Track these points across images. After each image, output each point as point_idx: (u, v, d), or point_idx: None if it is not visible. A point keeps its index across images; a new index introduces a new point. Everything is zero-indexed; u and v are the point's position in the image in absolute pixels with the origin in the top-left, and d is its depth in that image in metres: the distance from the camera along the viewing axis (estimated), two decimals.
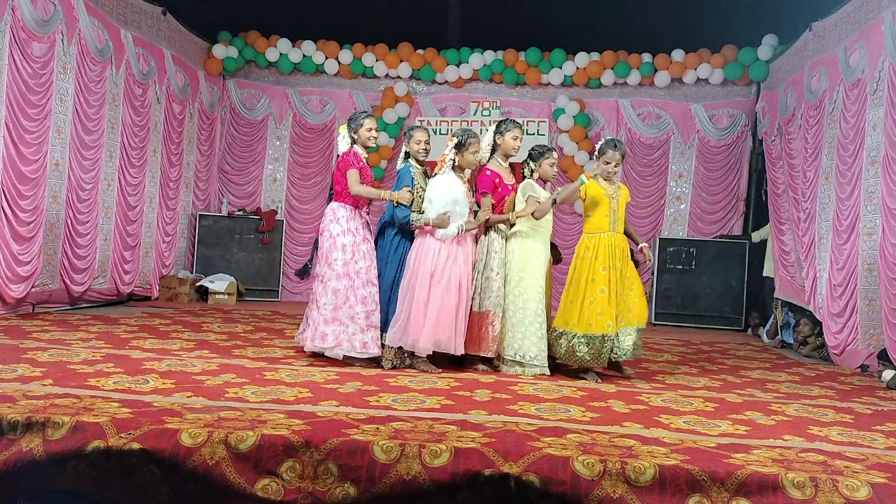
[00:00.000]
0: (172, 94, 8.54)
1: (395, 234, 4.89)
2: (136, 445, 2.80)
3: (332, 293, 4.70)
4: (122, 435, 2.84)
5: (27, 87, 6.20)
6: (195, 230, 9.28)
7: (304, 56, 9.62)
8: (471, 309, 4.86)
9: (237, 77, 9.85)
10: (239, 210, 9.59)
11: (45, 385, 3.53)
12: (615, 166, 4.89)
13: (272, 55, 9.62)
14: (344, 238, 4.77)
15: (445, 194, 4.74)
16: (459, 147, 4.83)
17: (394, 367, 4.73)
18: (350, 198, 4.87)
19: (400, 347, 4.75)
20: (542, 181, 5.11)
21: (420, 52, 9.52)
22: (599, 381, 4.72)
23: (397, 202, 4.73)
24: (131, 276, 8.00)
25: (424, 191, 4.87)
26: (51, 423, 2.88)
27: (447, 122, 9.41)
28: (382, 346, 4.77)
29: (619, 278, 4.80)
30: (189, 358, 4.65)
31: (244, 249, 9.27)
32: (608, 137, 5.19)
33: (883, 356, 5.41)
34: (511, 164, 5.18)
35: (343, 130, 5.00)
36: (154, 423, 2.93)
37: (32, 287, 6.44)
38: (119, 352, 4.71)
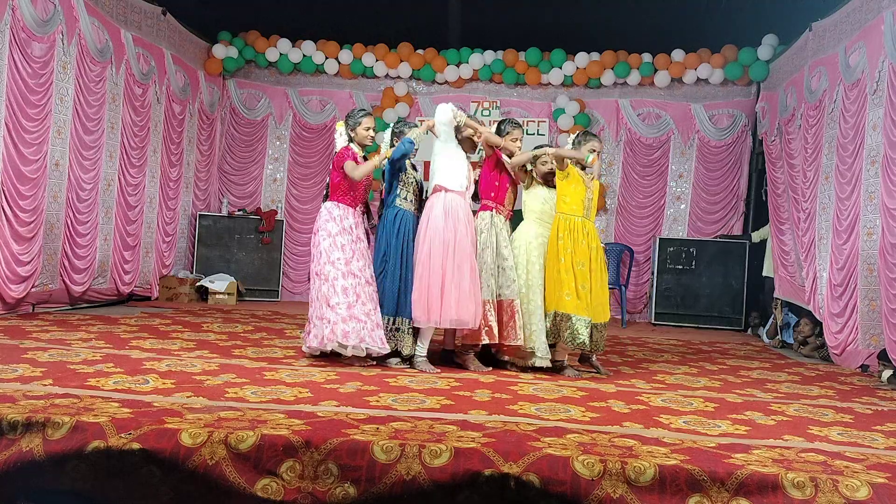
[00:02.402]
0: (172, 94, 8.54)
1: (395, 228, 4.88)
2: (136, 445, 2.80)
3: (343, 292, 4.68)
4: (122, 435, 2.83)
5: (27, 87, 6.20)
6: (195, 230, 9.28)
7: (304, 56, 9.62)
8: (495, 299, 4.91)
9: (237, 77, 9.85)
10: (239, 210, 9.59)
11: (45, 385, 3.53)
12: (598, 155, 5.04)
13: (272, 55, 9.62)
14: (341, 237, 4.79)
15: (451, 158, 4.90)
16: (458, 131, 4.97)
17: (412, 356, 4.78)
18: (345, 197, 4.88)
19: (415, 335, 4.81)
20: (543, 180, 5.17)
21: (420, 52, 9.52)
22: (579, 375, 4.85)
23: (388, 157, 4.84)
24: (131, 276, 8.00)
25: (418, 181, 5.01)
26: (51, 423, 2.88)
27: None
28: (394, 333, 4.81)
29: (596, 265, 4.93)
30: (189, 358, 4.65)
31: (244, 249, 9.28)
32: (581, 130, 5.27)
33: (883, 356, 5.41)
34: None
35: (340, 127, 5.00)
36: (154, 423, 2.93)
37: (32, 287, 6.44)
38: (119, 352, 4.71)
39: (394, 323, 4.81)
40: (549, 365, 4.86)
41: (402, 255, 4.84)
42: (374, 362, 4.80)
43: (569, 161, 4.97)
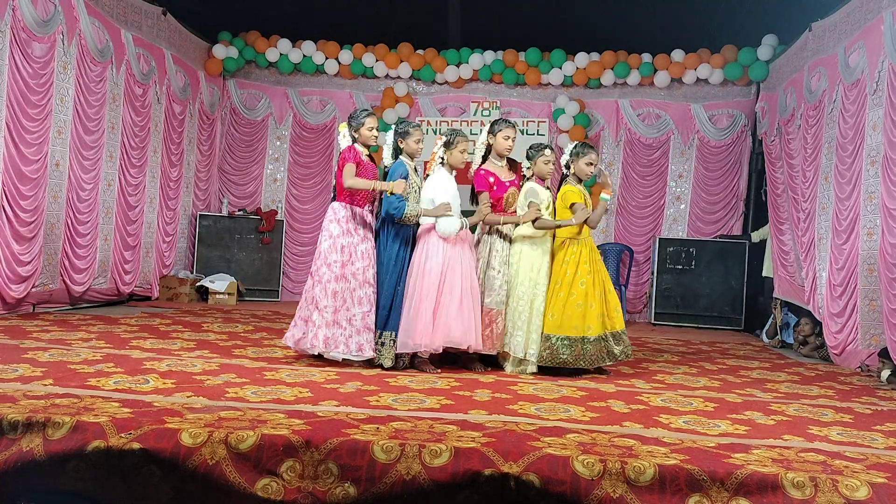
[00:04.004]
0: (173, 94, 8.54)
1: (394, 241, 4.83)
2: (136, 445, 2.80)
3: (332, 296, 4.70)
4: (123, 435, 2.84)
5: (27, 88, 6.20)
6: (195, 230, 9.29)
7: (304, 56, 9.63)
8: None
9: (237, 77, 9.86)
10: (239, 210, 9.59)
11: (45, 385, 3.54)
12: (595, 167, 5.05)
13: (272, 55, 9.62)
14: (342, 239, 4.77)
15: (446, 191, 4.82)
16: (448, 145, 4.91)
17: (393, 367, 4.73)
18: (351, 197, 4.86)
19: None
20: (540, 179, 5.13)
21: (420, 52, 9.52)
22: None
23: (391, 192, 4.70)
24: (131, 276, 8.00)
25: (420, 188, 4.90)
26: (51, 422, 2.89)
27: (447, 122, 9.40)
28: (378, 346, 4.77)
29: (602, 280, 4.94)
30: (189, 358, 4.66)
31: (244, 249, 9.28)
32: (578, 142, 5.24)
33: (884, 354, 5.41)
34: (511, 162, 5.21)
35: (343, 129, 4.98)
36: (154, 422, 2.94)
37: (33, 287, 6.45)
38: (119, 352, 4.71)
39: (380, 337, 4.78)
40: (535, 370, 4.85)
41: (396, 270, 4.82)
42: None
43: (571, 188, 5.00)
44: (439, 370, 4.74)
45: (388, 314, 4.79)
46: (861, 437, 3.51)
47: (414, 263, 4.80)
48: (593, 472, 2.73)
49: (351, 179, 4.74)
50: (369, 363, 4.76)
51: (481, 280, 4.93)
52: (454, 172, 4.98)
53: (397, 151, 4.98)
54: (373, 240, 4.90)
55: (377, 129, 4.96)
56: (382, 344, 4.77)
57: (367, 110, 5.01)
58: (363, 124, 4.88)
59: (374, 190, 4.83)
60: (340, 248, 4.75)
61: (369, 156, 5.00)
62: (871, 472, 2.84)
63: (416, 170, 5.05)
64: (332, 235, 4.78)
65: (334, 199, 4.94)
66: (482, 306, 4.88)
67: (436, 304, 4.67)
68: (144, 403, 3.28)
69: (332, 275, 4.72)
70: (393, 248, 4.83)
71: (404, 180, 4.73)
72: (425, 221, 4.82)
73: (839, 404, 4.36)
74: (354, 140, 4.92)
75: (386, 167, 5.03)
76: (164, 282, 8.61)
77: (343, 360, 4.71)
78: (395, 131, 4.98)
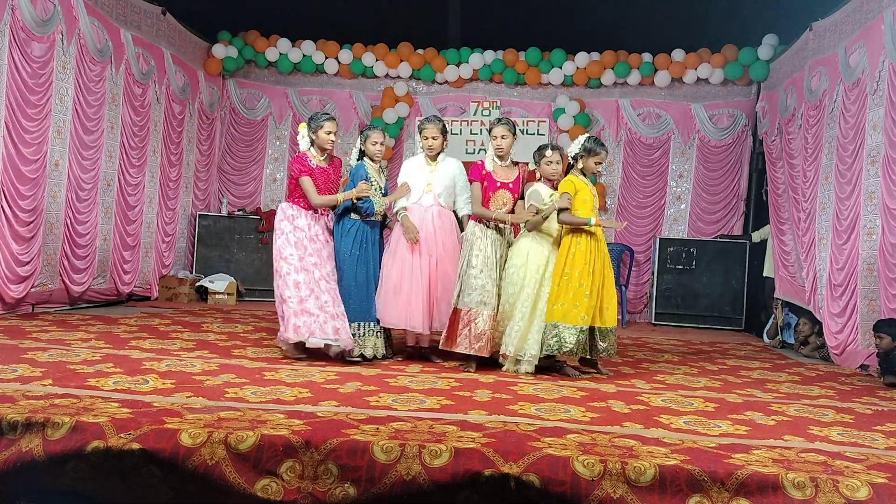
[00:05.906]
0: (172, 93, 8.53)
1: (347, 235, 4.98)
2: (135, 445, 2.80)
3: (294, 286, 4.76)
4: (122, 435, 2.84)
5: (27, 87, 6.20)
6: (195, 230, 9.28)
7: (304, 56, 9.62)
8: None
9: (237, 77, 9.85)
10: (239, 210, 9.59)
11: (44, 385, 3.53)
12: (601, 165, 5.10)
13: (272, 55, 9.62)
14: (294, 235, 4.87)
15: (410, 175, 5.14)
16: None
17: (376, 358, 4.87)
18: (300, 200, 4.95)
19: (382, 337, 4.95)
20: (548, 180, 5.13)
21: (420, 52, 9.52)
22: (578, 375, 4.82)
23: (356, 198, 4.89)
24: (131, 276, 8.00)
25: (381, 187, 5.08)
26: (51, 423, 2.88)
27: (447, 121, 9.38)
28: (357, 339, 4.87)
29: (603, 273, 4.92)
30: (189, 358, 4.66)
31: (244, 249, 9.27)
32: (590, 136, 5.21)
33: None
34: (515, 163, 5.24)
35: (303, 129, 5.02)
36: (154, 423, 2.93)
37: (32, 287, 6.44)
38: (119, 352, 4.71)
39: (359, 328, 4.88)
40: (531, 370, 4.79)
41: (360, 261, 4.95)
42: (360, 358, 4.89)
43: (573, 179, 5.00)
44: (441, 362, 4.89)
45: (359, 305, 4.91)
46: (861, 437, 3.50)
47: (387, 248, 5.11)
48: (593, 473, 2.73)
49: (318, 199, 4.88)
50: (359, 359, 4.82)
51: (460, 279, 4.94)
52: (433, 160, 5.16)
53: (361, 153, 5.14)
54: (323, 240, 4.99)
55: (335, 134, 5.01)
56: (363, 335, 4.90)
57: (326, 114, 5.08)
58: (321, 127, 4.95)
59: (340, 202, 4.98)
60: (294, 242, 4.86)
61: (328, 159, 5.05)
62: (872, 472, 2.84)
63: (380, 170, 5.18)
64: (283, 233, 4.88)
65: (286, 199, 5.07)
66: (458, 307, 4.90)
67: (395, 283, 4.94)
68: (144, 404, 3.28)
69: (291, 267, 4.80)
70: (346, 241, 4.98)
71: (365, 181, 4.92)
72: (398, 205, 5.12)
73: (840, 404, 4.36)
74: (312, 142, 4.98)
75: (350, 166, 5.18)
76: (164, 282, 8.60)
77: (325, 345, 4.73)
78: (359, 133, 5.16)
